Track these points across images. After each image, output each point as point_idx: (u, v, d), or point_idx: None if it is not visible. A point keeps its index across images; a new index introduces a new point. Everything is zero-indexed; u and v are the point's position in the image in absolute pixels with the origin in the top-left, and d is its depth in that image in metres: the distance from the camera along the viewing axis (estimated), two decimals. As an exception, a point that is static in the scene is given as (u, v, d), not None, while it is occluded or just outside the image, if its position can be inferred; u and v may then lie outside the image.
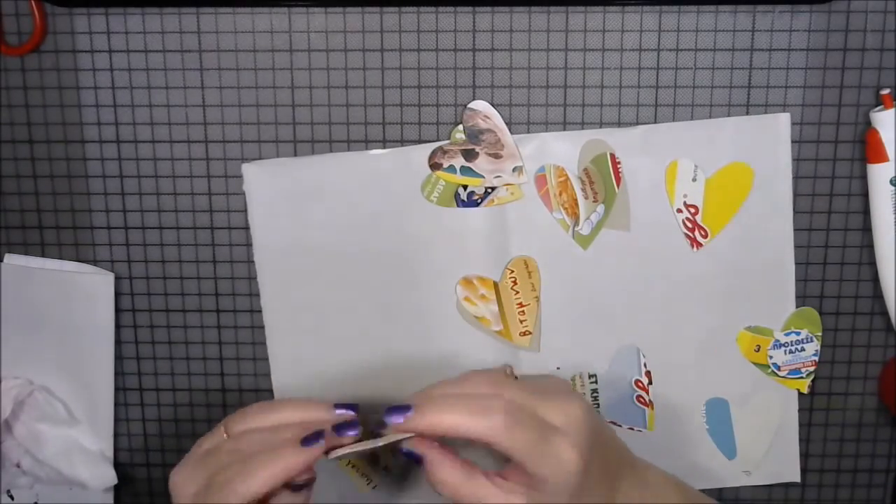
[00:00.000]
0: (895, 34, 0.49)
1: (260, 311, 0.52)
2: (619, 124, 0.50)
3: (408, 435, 0.38)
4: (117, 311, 0.53)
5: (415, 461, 0.39)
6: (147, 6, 0.49)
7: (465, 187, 0.50)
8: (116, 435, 0.54)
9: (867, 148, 0.49)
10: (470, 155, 0.50)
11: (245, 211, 0.51)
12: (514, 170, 0.50)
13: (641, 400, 0.53)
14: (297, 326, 0.52)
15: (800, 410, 0.53)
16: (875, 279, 0.51)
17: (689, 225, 0.51)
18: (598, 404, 0.53)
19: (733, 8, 0.48)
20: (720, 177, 0.50)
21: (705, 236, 0.51)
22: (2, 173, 0.52)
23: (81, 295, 0.52)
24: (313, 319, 0.52)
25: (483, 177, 0.50)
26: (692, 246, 0.51)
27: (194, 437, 0.54)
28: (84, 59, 0.50)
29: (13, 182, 0.52)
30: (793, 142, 0.50)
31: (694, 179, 0.50)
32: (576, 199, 0.50)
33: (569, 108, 0.50)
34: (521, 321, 0.52)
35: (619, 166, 0.50)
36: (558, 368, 0.52)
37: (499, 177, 0.50)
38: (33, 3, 0.48)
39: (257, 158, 0.51)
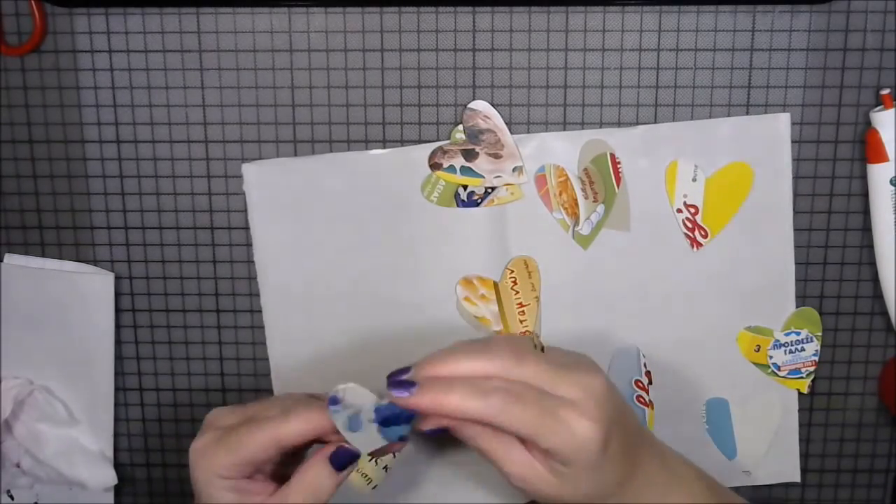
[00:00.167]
0: (895, 34, 0.49)
1: (260, 311, 0.52)
2: (619, 124, 0.50)
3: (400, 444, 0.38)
4: (117, 311, 0.53)
5: (436, 434, 0.39)
6: (147, 6, 0.49)
7: (465, 187, 0.50)
8: (116, 435, 0.54)
9: (867, 148, 0.49)
10: (470, 155, 0.50)
11: (245, 211, 0.51)
12: (514, 170, 0.50)
13: (641, 400, 0.53)
14: (297, 326, 0.52)
15: (800, 410, 0.53)
16: (875, 279, 0.51)
17: (689, 225, 0.51)
18: (598, 404, 0.53)
19: (733, 8, 0.48)
20: (720, 177, 0.50)
21: (705, 236, 0.51)
22: (2, 173, 0.52)
23: (81, 295, 0.52)
24: (313, 320, 0.52)
25: (483, 177, 0.50)
26: (692, 246, 0.51)
27: (194, 438, 0.55)
28: (84, 59, 0.50)
29: (13, 182, 0.52)
30: (793, 142, 0.50)
31: (694, 179, 0.50)
32: (576, 199, 0.50)
33: (569, 108, 0.50)
34: (521, 321, 0.52)
35: (619, 166, 0.50)
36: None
37: (499, 177, 0.50)
38: (33, 3, 0.48)
39: (257, 158, 0.51)
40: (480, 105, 0.50)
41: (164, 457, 0.55)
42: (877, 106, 0.49)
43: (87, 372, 0.53)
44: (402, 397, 0.36)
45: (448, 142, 0.50)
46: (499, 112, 0.50)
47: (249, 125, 0.50)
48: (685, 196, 0.50)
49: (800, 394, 0.53)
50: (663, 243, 0.51)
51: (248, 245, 0.52)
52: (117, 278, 0.52)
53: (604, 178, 0.50)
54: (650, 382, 0.53)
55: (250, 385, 0.54)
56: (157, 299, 0.53)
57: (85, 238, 0.52)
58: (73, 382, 0.53)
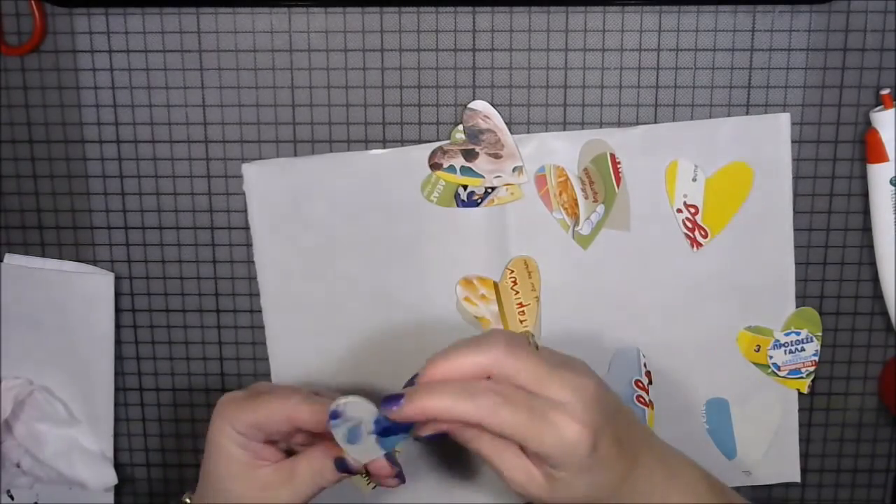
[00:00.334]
0: (895, 34, 0.49)
1: (260, 311, 0.52)
2: (619, 124, 0.50)
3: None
4: (117, 311, 0.53)
5: (437, 439, 0.39)
6: (147, 6, 0.49)
7: (465, 187, 0.50)
8: (116, 435, 0.54)
9: (867, 148, 0.49)
10: (470, 155, 0.50)
11: (245, 211, 0.51)
12: (514, 170, 0.50)
13: (641, 400, 0.53)
14: (297, 326, 0.52)
15: (800, 410, 0.53)
16: (875, 279, 0.51)
17: (689, 225, 0.51)
18: (598, 404, 0.53)
19: (733, 8, 0.48)
20: (720, 177, 0.50)
21: (705, 236, 0.51)
22: (2, 173, 0.52)
23: (81, 295, 0.52)
24: (313, 319, 0.52)
25: (483, 177, 0.50)
26: (692, 246, 0.51)
27: (194, 438, 0.55)
28: (84, 59, 0.50)
29: (13, 182, 0.52)
30: (793, 142, 0.50)
31: (694, 179, 0.50)
32: (576, 199, 0.50)
33: (569, 108, 0.50)
34: (521, 321, 0.52)
35: (619, 166, 0.50)
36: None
37: (499, 177, 0.50)
38: (33, 3, 0.48)
39: (257, 158, 0.51)
40: (480, 105, 0.50)
41: (164, 457, 0.55)
42: (877, 106, 0.49)
43: (87, 372, 0.53)
44: (392, 410, 0.37)
45: (448, 142, 0.50)
46: (499, 112, 0.50)
47: (249, 125, 0.50)
48: (685, 196, 0.50)
49: (800, 394, 0.53)
50: (663, 243, 0.51)
51: (248, 245, 0.52)
52: (117, 278, 0.52)
53: (604, 178, 0.50)
54: (650, 382, 0.53)
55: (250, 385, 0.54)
56: (157, 299, 0.53)
57: (85, 238, 0.52)
58: (73, 382, 0.53)
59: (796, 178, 0.51)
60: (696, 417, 0.53)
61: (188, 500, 0.45)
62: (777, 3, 0.48)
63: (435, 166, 0.50)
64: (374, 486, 0.54)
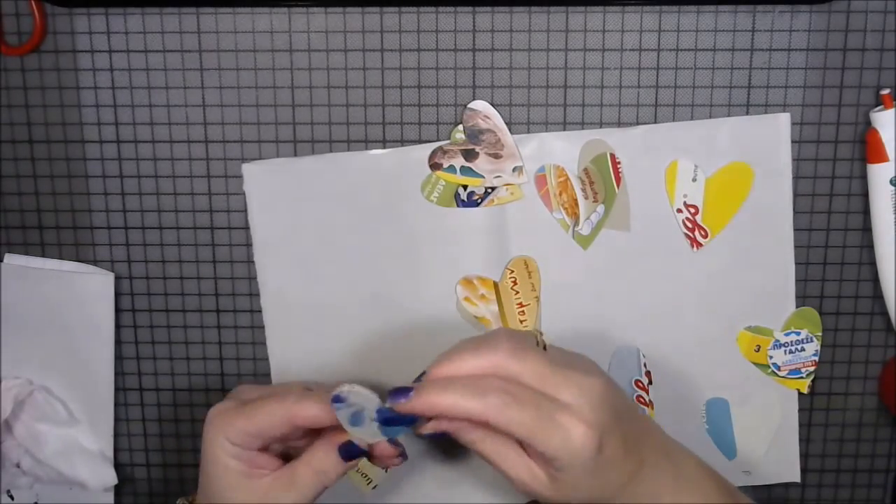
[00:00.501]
0: (895, 34, 0.49)
1: (260, 311, 0.52)
2: (619, 124, 0.50)
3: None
4: (117, 311, 0.53)
5: (439, 438, 0.39)
6: (147, 6, 0.49)
7: (465, 187, 0.50)
8: (116, 435, 0.54)
9: (867, 148, 0.49)
10: (470, 155, 0.50)
11: (245, 211, 0.51)
12: (514, 170, 0.50)
13: (641, 400, 0.53)
14: (297, 326, 0.52)
15: (800, 410, 0.53)
16: (875, 279, 0.51)
17: (689, 225, 0.51)
18: (598, 404, 0.53)
19: (733, 8, 0.48)
20: (720, 177, 0.50)
21: (705, 236, 0.51)
22: (2, 173, 0.52)
23: (81, 295, 0.52)
24: (313, 319, 0.52)
25: (483, 177, 0.50)
26: (692, 246, 0.51)
27: (194, 437, 0.55)
28: (84, 59, 0.50)
29: (13, 182, 0.52)
30: (793, 142, 0.50)
31: (694, 179, 0.50)
32: (576, 199, 0.50)
33: (569, 108, 0.50)
34: (521, 321, 0.52)
35: (619, 166, 0.50)
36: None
37: (499, 177, 0.50)
38: (33, 3, 0.48)
39: (257, 158, 0.51)
40: (480, 105, 0.50)
41: (164, 457, 0.55)
42: (877, 106, 0.49)
43: (87, 372, 0.53)
44: (400, 402, 0.37)
45: (448, 142, 0.50)
46: (499, 112, 0.50)
47: (249, 125, 0.50)
48: (685, 196, 0.50)
49: (800, 394, 0.53)
50: (663, 243, 0.51)
51: (248, 245, 0.52)
52: (117, 278, 0.52)
53: (604, 178, 0.50)
54: (650, 382, 0.53)
55: (250, 385, 0.54)
56: (157, 299, 0.53)
57: (85, 238, 0.52)
58: (73, 382, 0.53)
59: (796, 178, 0.51)
60: (696, 417, 0.53)
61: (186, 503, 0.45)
62: (777, 3, 0.48)
63: (435, 166, 0.50)
64: (375, 487, 0.54)
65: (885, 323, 0.52)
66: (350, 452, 0.40)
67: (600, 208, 0.50)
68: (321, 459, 0.40)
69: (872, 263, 0.51)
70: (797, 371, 0.53)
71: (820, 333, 0.52)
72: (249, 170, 0.51)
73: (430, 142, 0.50)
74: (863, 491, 0.55)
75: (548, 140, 0.50)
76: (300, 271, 0.51)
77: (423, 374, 0.38)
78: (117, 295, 0.53)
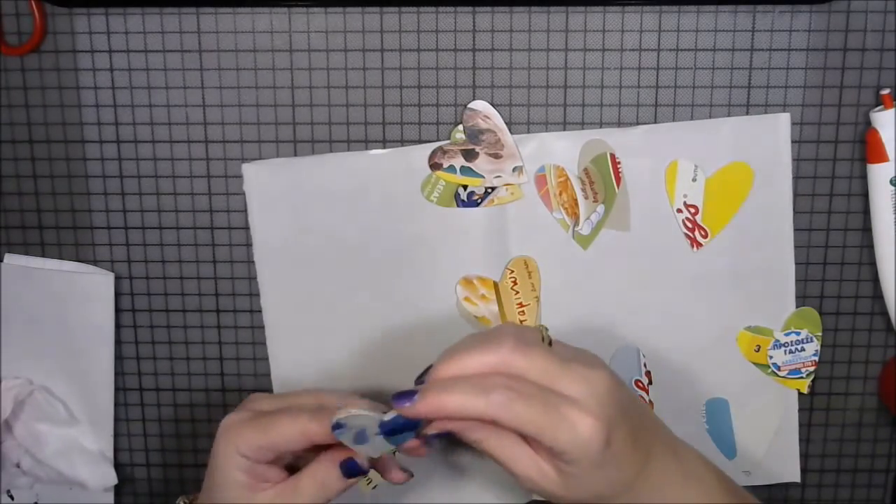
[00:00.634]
0: (895, 34, 0.49)
1: (260, 311, 0.52)
2: (619, 124, 0.50)
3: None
4: (117, 311, 0.53)
5: (443, 437, 0.39)
6: (147, 6, 0.49)
7: (465, 187, 0.50)
8: (116, 435, 0.54)
9: (867, 148, 0.49)
10: (470, 155, 0.50)
11: (245, 211, 0.51)
12: (514, 170, 0.50)
13: (641, 400, 0.53)
14: (297, 326, 0.52)
15: (800, 410, 0.53)
16: (875, 279, 0.51)
17: (689, 225, 0.51)
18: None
19: (733, 8, 0.48)
20: (720, 177, 0.50)
21: (705, 236, 0.51)
22: (2, 173, 0.52)
23: (81, 295, 0.52)
24: (313, 319, 0.52)
25: (483, 177, 0.50)
26: (692, 246, 0.51)
27: (194, 437, 0.55)
28: (84, 59, 0.50)
29: (13, 182, 0.52)
30: (793, 142, 0.50)
31: (694, 179, 0.50)
32: (576, 199, 0.50)
33: (569, 108, 0.50)
34: (521, 321, 0.52)
35: (619, 166, 0.50)
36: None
37: (499, 177, 0.50)
38: (33, 3, 0.48)
39: (257, 158, 0.51)
40: (480, 105, 0.50)
41: (164, 457, 0.55)
42: (877, 106, 0.49)
43: (87, 372, 0.53)
44: (405, 407, 0.36)
45: (448, 142, 0.50)
46: (499, 112, 0.50)
47: (249, 125, 0.50)
48: (685, 196, 0.50)
49: (800, 394, 0.53)
50: (663, 243, 0.51)
51: (248, 245, 0.52)
52: (117, 278, 0.52)
53: (604, 178, 0.50)
54: (650, 382, 0.53)
55: (250, 385, 0.54)
56: (157, 299, 0.53)
57: (85, 238, 0.52)
58: (73, 382, 0.53)
59: (796, 178, 0.51)
60: (696, 417, 0.53)
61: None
62: (777, 3, 0.48)
63: (435, 166, 0.50)
64: (375, 487, 0.54)
65: (885, 323, 0.52)
66: (350, 470, 0.40)
67: (600, 208, 0.50)
68: (324, 475, 0.40)
69: (872, 263, 0.51)
70: (797, 371, 0.53)
71: (820, 333, 0.52)
72: (249, 170, 0.51)
73: (430, 142, 0.50)
74: (863, 491, 0.55)
75: (548, 140, 0.50)
76: (300, 271, 0.51)
77: (429, 368, 0.38)
78: (117, 295, 0.53)
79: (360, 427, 0.38)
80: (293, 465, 0.42)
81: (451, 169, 0.50)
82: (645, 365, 0.53)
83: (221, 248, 0.52)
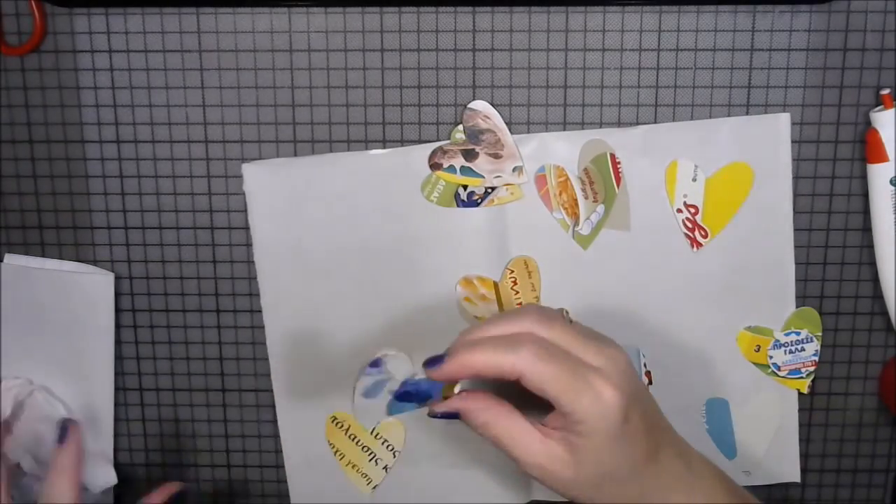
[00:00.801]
0: (895, 34, 0.49)
1: (260, 311, 0.52)
2: (619, 124, 0.50)
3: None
4: (117, 311, 0.53)
5: (450, 418, 0.39)
6: (147, 6, 0.49)
7: (465, 187, 0.50)
8: (116, 435, 0.54)
9: (867, 148, 0.49)
10: (470, 155, 0.50)
11: (245, 211, 0.51)
12: (514, 170, 0.50)
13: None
14: (297, 326, 0.52)
15: (800, 410, 0.53)
16: (875, 279, 0.51)
17: (689, 225, 0.51)
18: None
19: (733, 8, 0.48)
20: (720, 177, 0.50)
21: (705, 236, 0.51)
22: (2, 173, 0.52)
23: (81, 295, 0.52)
24: (313, 319, 0.52)
25: (483, 177, 0.50)
26: (692, 246, 0.51)
27: (194, 437, 0.55)
28: (84, 59, 0.50)
29: (13, 182, 0.52)
30: (793, 142, 0.50)
31: (694, 179, 0.50)
32: (576, 199, 0.50)
33: (569, 108, 0.50)
34: (521, 321, 0.52)
35: (619, 166, 0.50)
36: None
37: (499, 177, 0.50)
38: (33, 3, 0.48)
39: (257, 158, 0.51)
40: (480, 105, 0.50)
41: (164, 457, 0.55)
42: (877, 106, 0.49)
43: (87, 372, 0.53)
44: (435, 369, 0.37)
45: (448, 142, 0.50)
46: (499, 112, 0.50)
47: (249, 125, 0.50)
48: (685, 196, 0.50)
49: (800, 394, 0.53)
50: (663, 243, 0.51)
51: (248, 245, 0.52)
52: (117, 278, 0.52)
53: (604, 178, 0.50)
54: (650, 382, 0.53)
55: (250, 385, 0.54)
56: (157, 299, 0.53)
57: (85, 238, 0.52)
58: (73, 382, 0.53)
59: (796, 178, 0.51)
60: (696, 417, 0.53)
61: None
62: (777, 3, 0.48)
63: (435, 166, 0.50)
64: (375, 487, 0.54)
65: (885, 323, 0.52)
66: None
67: (600, 208, 0.50)
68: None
69: (872, 263, 0.51)
70: (797, 371, 0.53)
71: (820, 333, 0.52)
72: (249, 170, 0.51)
73: (430, 142, 0.50)
74: (863, 491, 0.55)
75: (548, 140, 0.50)
76: (300, 271, 0.51)
77: (443, 355, 0.38)
78: (117, 295, 0.53)
79: (385, 378, 0.38)
80: None
81: (451, 169, 0.50)
82: (645, 365, 0.53)
83: (221, 248, 0.52)
